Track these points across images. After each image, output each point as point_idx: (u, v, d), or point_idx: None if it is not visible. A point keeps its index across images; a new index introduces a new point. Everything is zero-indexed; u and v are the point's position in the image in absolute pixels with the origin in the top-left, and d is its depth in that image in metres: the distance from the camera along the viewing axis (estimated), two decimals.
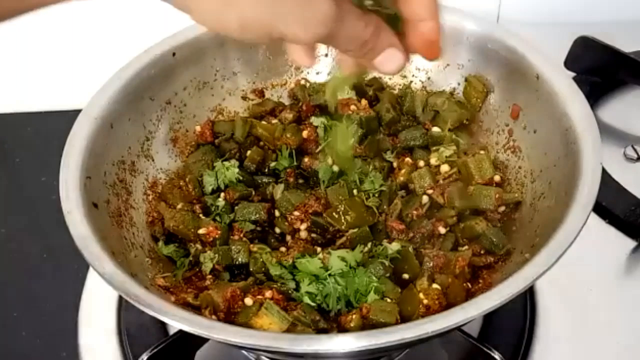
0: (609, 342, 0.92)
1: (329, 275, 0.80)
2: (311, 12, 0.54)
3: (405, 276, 0.83)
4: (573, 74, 1.22)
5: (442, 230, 0.87)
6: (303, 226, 0.89)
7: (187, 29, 0.98)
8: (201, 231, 0.87)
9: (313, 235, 0.89)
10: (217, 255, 0.85)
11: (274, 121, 1.01)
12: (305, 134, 0.98)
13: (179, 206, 0.91)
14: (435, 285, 0.80)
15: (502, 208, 0.89)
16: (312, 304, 0.79)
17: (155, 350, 0.86)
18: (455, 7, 0.99)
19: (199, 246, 0.87)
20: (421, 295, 0.78)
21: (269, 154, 0.98)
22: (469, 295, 0.80)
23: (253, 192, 0.94)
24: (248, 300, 0.78)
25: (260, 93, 1.06)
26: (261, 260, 0.85)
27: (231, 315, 0.79)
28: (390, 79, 1.07)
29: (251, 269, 0.85)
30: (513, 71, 0.93)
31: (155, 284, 0.81)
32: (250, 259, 0.86)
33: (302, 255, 0.83)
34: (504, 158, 0.95)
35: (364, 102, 1.02)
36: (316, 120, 0.99)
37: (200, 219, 0.90)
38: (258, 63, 1.05)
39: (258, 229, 0.90)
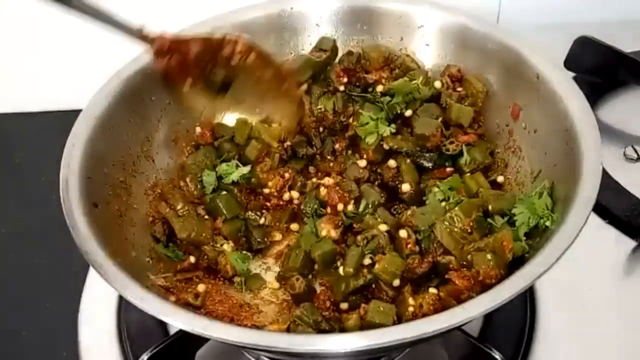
0: (609, 342, 0.92)
1: None
2: None
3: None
4: (573, 74, 1.22)
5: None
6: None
7: (187, 29, 0.98)
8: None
9: None
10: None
11: (274, 124, 1.01)
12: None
13: (179, 207, 0.91)
14: (432, 290, 0.80)
15: None
16: None
17: (155, 350, 0.86)
18: (455, 7, 1.00)
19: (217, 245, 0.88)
20: (416, 300, 0.78)
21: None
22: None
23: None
24: None
25: None
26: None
27: None
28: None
29: None
30: (513, 71, 0.93)
31: (155, 284, 0.81)
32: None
33: None
34: (504, 158, 0.95)
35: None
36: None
37: (206, 220, 0.91)
38: None
39: None
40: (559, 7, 1.40)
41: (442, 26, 1.00)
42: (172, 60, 0.86)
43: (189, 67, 0.88)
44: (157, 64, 0.89)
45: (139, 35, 0.86)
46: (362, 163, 0.96)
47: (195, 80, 0.89)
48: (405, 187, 0.92)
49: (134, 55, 0.94)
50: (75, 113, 0.87)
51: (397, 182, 0.94)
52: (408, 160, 0.94)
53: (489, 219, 0.84)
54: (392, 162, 0.95)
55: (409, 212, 0.87)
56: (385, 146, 0.95)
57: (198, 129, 1.00)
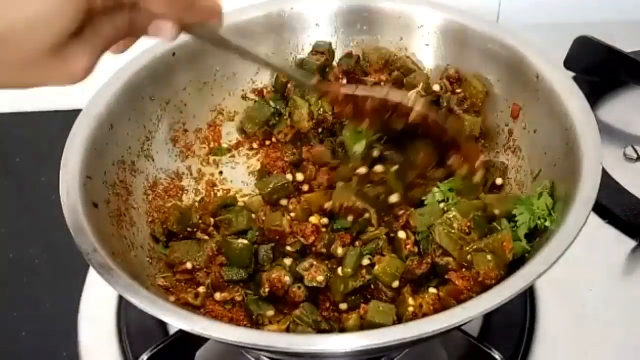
0: (609, 342, 0.92)
1: None
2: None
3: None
4: (573, 74, 1.22)
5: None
6: None
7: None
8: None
9: None
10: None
11: None
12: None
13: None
14: (432, 290, 0.80)
15: None
16: None
17: (155, 350, 0.86)
18: (455, 7, 1.00)
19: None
20: (416, 300, 0.78)
21: None
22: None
23: None
24: None
25: (260, 93, 1.06)
26: None
27: None
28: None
29: None
30: (513, 71, 0.93)
31: (155, 284, 0.81)
32: None
33: None
34: (504, 158, 0.95)
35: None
36: None
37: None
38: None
39: None
40: (559, 6, 1.40)
41: (442, 26, 1.00)
42: (348, 109, 0.87)
43: (366, 114, 0.87)
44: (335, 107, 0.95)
45: (314, 87, 0.89)
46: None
47: (373, 122, 0.88)
48: (393, 198, 0.89)
49: (134, 55, 0.94)
50: (75, 113, 0.87)
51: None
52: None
53: (494, 223, 0.83)
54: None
55: (408, 213, 0.87)
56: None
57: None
